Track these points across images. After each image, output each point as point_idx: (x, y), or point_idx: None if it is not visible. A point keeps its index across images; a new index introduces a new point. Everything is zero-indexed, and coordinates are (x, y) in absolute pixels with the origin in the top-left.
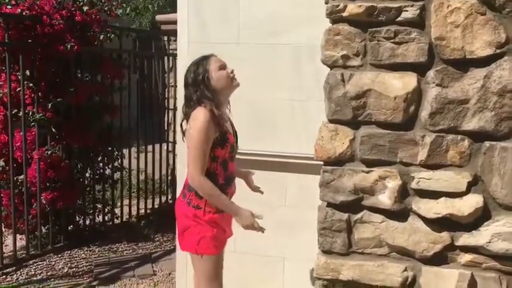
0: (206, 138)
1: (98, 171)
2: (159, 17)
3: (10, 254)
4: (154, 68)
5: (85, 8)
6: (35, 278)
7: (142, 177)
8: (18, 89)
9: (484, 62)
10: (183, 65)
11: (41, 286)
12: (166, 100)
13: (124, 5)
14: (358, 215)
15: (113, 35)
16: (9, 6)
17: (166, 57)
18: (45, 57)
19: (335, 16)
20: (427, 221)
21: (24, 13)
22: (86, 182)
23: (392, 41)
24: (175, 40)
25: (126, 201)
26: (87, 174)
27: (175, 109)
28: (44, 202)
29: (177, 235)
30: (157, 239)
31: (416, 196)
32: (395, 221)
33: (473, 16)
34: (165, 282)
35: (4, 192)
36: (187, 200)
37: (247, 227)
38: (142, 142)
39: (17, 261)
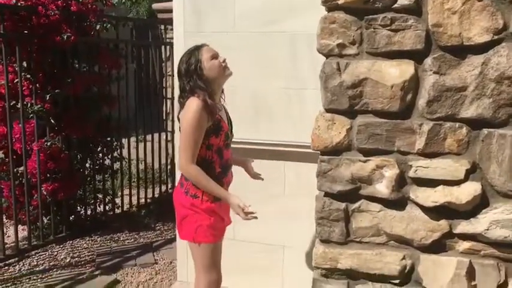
0: (198, 127)
1: (97, 162)
2: (155, 6)
3: (12, 244)
4: (152, 57)
5: None
6: (37, 269)
7: (142, 166)
8: (15, 80)
9: (481, 48)
10: (179, 54)
11: (43, 276)
12: (164, 89)
13: None
14: (356, 204)
15: (109, 25)
16: None
17: (163, 46)
18: (41, 49)
19: (330, 4)
20: (425, 210)
21: (19, 4)
22: (86, 173)
23: (388, 28)
24: (172, 29)
25: (126, 191)
26: (87, 165)
27: (173, 98)
28: (45, 193)
29: (176, 224)
30: (158, 228)
31: (414, 185)
32: (393, 210)
33: (470, 2)
34: (166, 270)
35: (5, 183)
36: (184, 190)
37: (238, 214)
38: (142, 132)
39: (19, 252)
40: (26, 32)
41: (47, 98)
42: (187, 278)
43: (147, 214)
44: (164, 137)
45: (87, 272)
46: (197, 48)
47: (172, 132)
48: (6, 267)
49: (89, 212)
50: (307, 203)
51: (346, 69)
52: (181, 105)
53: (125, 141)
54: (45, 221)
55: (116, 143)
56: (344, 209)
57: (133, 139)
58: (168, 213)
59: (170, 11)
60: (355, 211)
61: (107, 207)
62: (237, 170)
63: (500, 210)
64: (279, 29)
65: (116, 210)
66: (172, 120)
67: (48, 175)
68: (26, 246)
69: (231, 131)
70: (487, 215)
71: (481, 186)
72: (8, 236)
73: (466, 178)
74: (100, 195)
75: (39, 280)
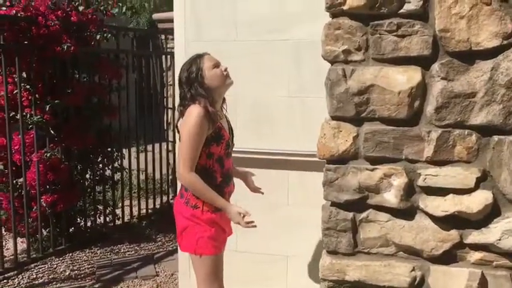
0: (198, 133)
1: (98, 173)
2: (156, 16)
3: (11, 257)
4: (153, 67)
5: (81, 8)
6: (36, 282)
7: (142, 177)
8: (15, 91)
9: (490, 53)
10: (180, 63)
11: None
12: (165, 99)
13: (120, 4)
14: (364, 214)
15: (109, 35)
16: (3, 8)
17: (164, 56)
18: (41, 59)
19: (335, 10)
20: (435, 219)
21: (19, 14)
22: (86, 184)
23: (395, 34)
24: (173, 38)
25: (127, 202)
26: (87, 176)
27: (174, 108)
28: (44, 205)
29: (176, 236)
30: (159, 239)
31: (423, 193)
32: (402, 220)
33: (479, 7)
34: (168, 283)
35: (4, 195)
36: (185, 200)
37: (237, 224)
38: (142, 142)
39: (18, 264)
40: (26, 42)
41: (47, 108)
42: None
43: (148, 225)
44: (165, 147)
45: (87, 285)
46: (199, 57)
47: (174, 142)
48: (5, 281)
49: (88, 224)
50: (311, 213)
51: (352, 76)
52: (181, 113)
53: (125, 151)
54: (45, 233)
55: (116, 153)
56: (351, 218)
57: (134, 149)
58: (170, 224)
59: (171, 20)
60: (362, 221)
61: (107, 219)
62: (238, 181)
63: None
64: (281, 37)
65: (117, 221)
66: (173, 130)
67: (47, 186)
68: (25, 259)
69: (232, 140)
70: (498, 225)
71: (492, 194)
72: (7, 249)
73: (476, 186)
74: (100, 207)
75: None
